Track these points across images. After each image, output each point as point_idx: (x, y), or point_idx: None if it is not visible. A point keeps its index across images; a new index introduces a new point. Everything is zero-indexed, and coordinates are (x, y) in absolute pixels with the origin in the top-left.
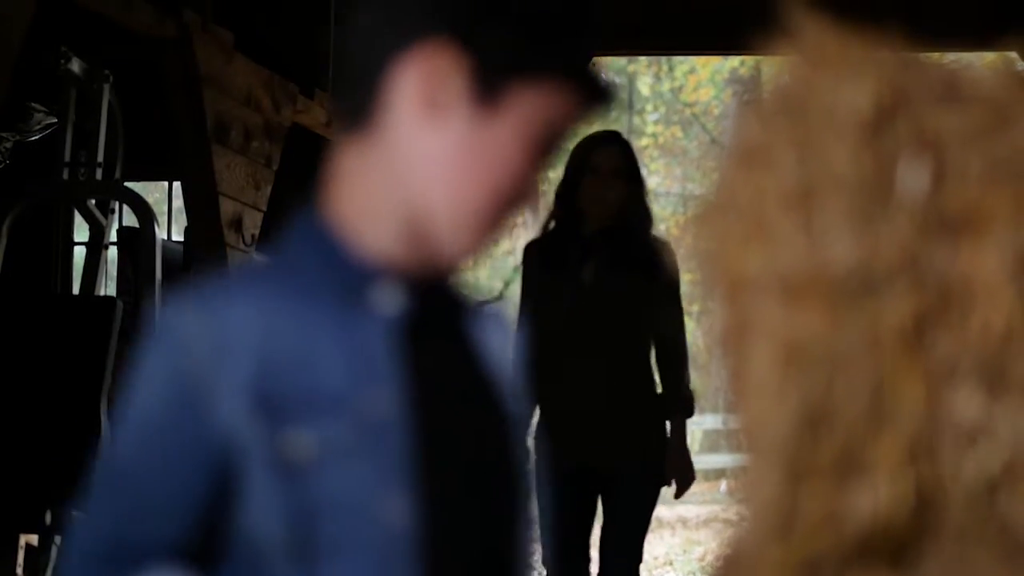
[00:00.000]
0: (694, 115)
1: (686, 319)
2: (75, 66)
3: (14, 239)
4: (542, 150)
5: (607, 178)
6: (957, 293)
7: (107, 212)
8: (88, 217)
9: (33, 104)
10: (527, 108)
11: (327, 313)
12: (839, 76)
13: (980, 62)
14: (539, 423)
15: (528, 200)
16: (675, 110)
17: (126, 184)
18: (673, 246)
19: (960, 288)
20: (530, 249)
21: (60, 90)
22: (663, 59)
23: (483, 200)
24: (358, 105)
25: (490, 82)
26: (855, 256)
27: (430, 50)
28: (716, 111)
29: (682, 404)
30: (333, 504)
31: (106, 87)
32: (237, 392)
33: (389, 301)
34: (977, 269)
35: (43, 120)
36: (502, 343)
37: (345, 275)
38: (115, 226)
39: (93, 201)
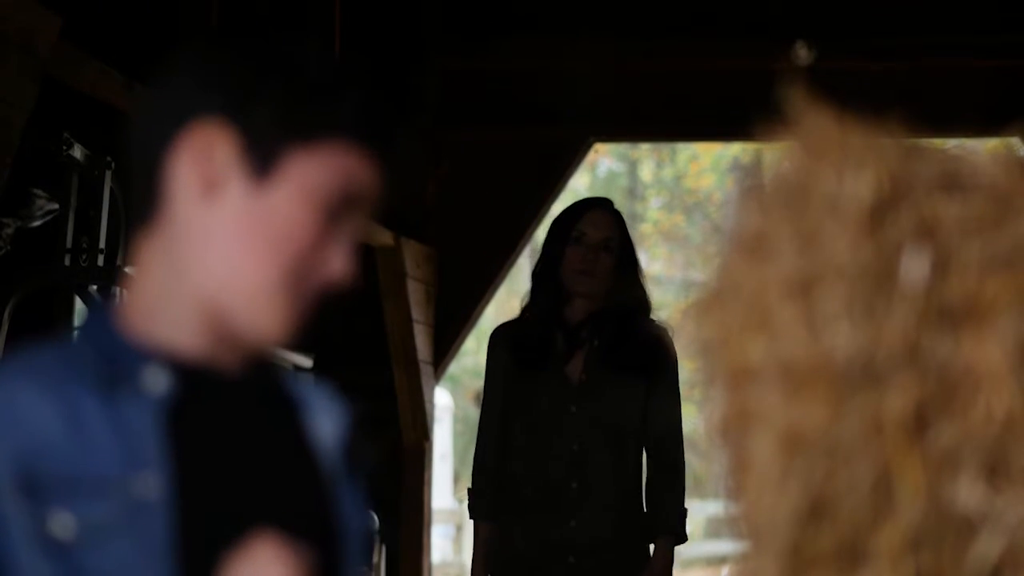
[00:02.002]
0: (696, 202)
1: (688, 406)
2: (77, 152)
3: (14, 325)
4: (332, 215)
5: (594, 250)
6: (958, 382)
7: (109, 296)
8: (90, 303)
9: (35, 190)
10: (304, 174)
11: (95, 398)
12: (840, 165)
13: (982, 148)
14: (500, 545)
15: (331, 270)
16: (677, 197)
17: (130, 269)
18: (674, 333)
19: (961, 377)
20: (499, 337)
21: (62, 176)
22: (665, 146)
23: (273, 274)
24: (143, 194)
25: (261, 154)
26: (856, 345)
27: (199, 130)
28: (718, 198)
29: (672, 525)
30: None
31: (108, 173)
32: (3, 473)
33: (157, 384)
34: (978, 358)
35: (45, 206)
36: (328, 421)
37: (116, 361)
38: None
39: (95, 287)
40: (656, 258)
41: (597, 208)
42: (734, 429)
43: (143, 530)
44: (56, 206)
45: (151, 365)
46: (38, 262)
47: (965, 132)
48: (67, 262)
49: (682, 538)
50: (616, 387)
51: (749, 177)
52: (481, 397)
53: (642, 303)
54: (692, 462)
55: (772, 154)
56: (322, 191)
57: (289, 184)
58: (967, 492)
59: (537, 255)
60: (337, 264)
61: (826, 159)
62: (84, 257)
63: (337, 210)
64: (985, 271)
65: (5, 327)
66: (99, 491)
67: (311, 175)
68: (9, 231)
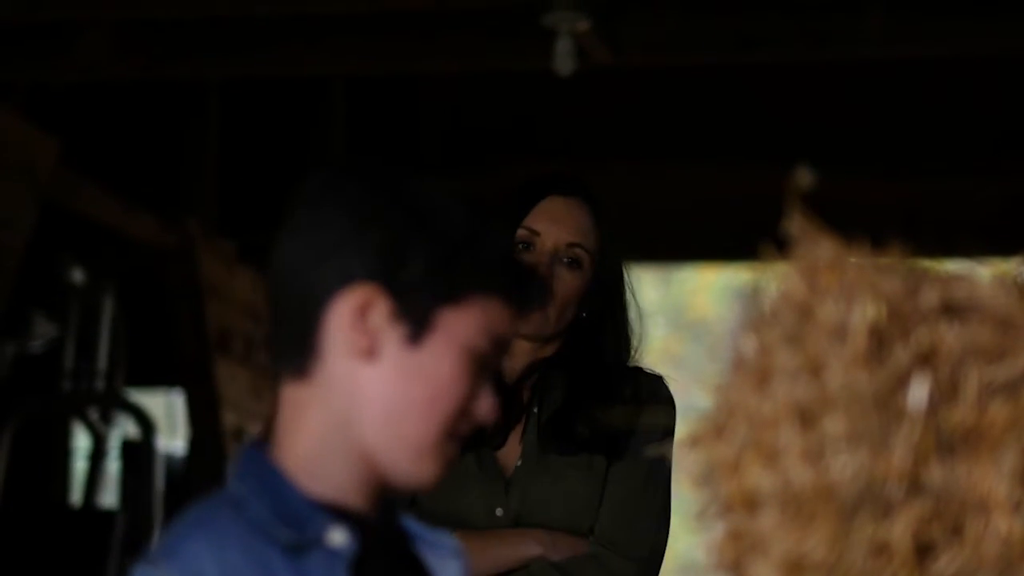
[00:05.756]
0: (697, 326)
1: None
2: (77, 275)
3: (13, 448)
4: (482, 363)
5: (548, 262)
6: (962, 509)
7: (108, 421)
8: (89, 427)
9: (35, 312)
10: (456, 331)
11: (284, 558)
12: (842, 291)
13: (985, 272)
14: None
15: (479, 413)
16: (678, 320)
17: (130, 392)
18: (671, 387)
19: (965, 504)
20: None
21: (62, 300)
22: (666, 269)
23: (428, 428)
24: (293, 344)
25: (415, 318)
26: (860, 472)
27: (353, 295)
28: (719, 323)
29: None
30: None
31: (108, 296)
32: None
33: (342, 543)
34: (982, 485)
35: (45, 330)
36: (454, 566)
37: (298, 519)
38: (116, 435)
39: (95, 412)
40: None
41: (559, 194)
42: (735, 554)
43: None
44: (55, 331)
45: (333, 523)
46: (38, 385)
47: (968, 253)
48: (67, 385)
49: None
50: (562, 475)
51: (750, 302)
52: None
53: (621, 338)
54: None
55: (773, 279)
56: (474, 344)
57: (442, 341)
58: None
59: None
60: (483, 406)
61: (828, 285)
62: (84, 381)
63: (486, 358)
64: (988, 398)
65: (5, 452)
66: None
67: (463, 331)
68: (8, 355)
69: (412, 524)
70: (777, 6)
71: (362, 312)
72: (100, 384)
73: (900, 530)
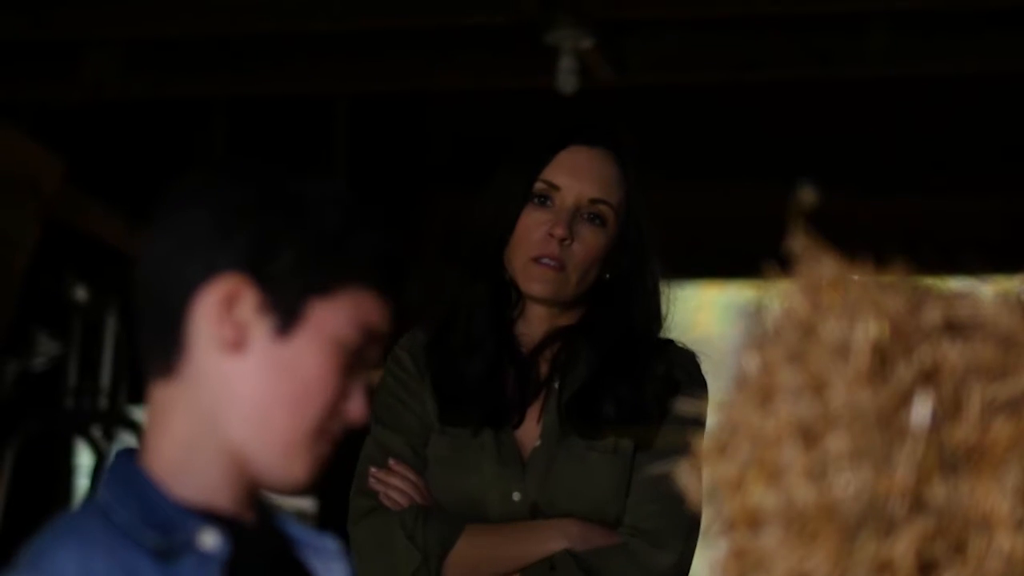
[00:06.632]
0: (700, 344)
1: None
2: (80, 293)
3: (16, 466)
4: (351, 358)
5: (566, 219)
6: (965, 526)
7: (111, 438)
8: (92, 444)
9: (38, 330)
10: (325, 323)
11: (154, 564)
12: (843, 309)
13: (987, 290)
14: None
15: (350, 413)
16: (681, 339)
17: (133, 409)
18: (703, 367)
19: (968, 522)
20: (407, 361)
21: (65, 317)
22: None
23: (296, 424)
24: (160, 341)
25: (284, 309)
26: (863, 490)
27: (220, 285)
28: (722, 341)
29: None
30: None
31: (111, 314)
32: None
33: (213, 545)
34: (985, 503)
35: (48, 347)
36: (340, 570)
37: (166, 523)
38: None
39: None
40: None
41: (583, 144)
42: (740, 573)
43: None
44: (58, 348)
45: (203, 525)
46: (41, 403)
47: (970, 271)
48: (70, 403)
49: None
50: (586, 459)
51: (753, 321)
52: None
53: (649, 304)
54: None
55: (776, 298)
56: (342, 337)
57: (311, 334)
58: None
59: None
60: (355, 406)
61: (830, 303)
62: (87, 398)
63: (356, 352)
64: (991, 416)
65: (7, 470)
66: None
67: (331, 323)
68: (11, 372)
69: (294, 528)
70: (779, 25)
71: (228, 304)
72: (103, 401)
73: (903, 548)
